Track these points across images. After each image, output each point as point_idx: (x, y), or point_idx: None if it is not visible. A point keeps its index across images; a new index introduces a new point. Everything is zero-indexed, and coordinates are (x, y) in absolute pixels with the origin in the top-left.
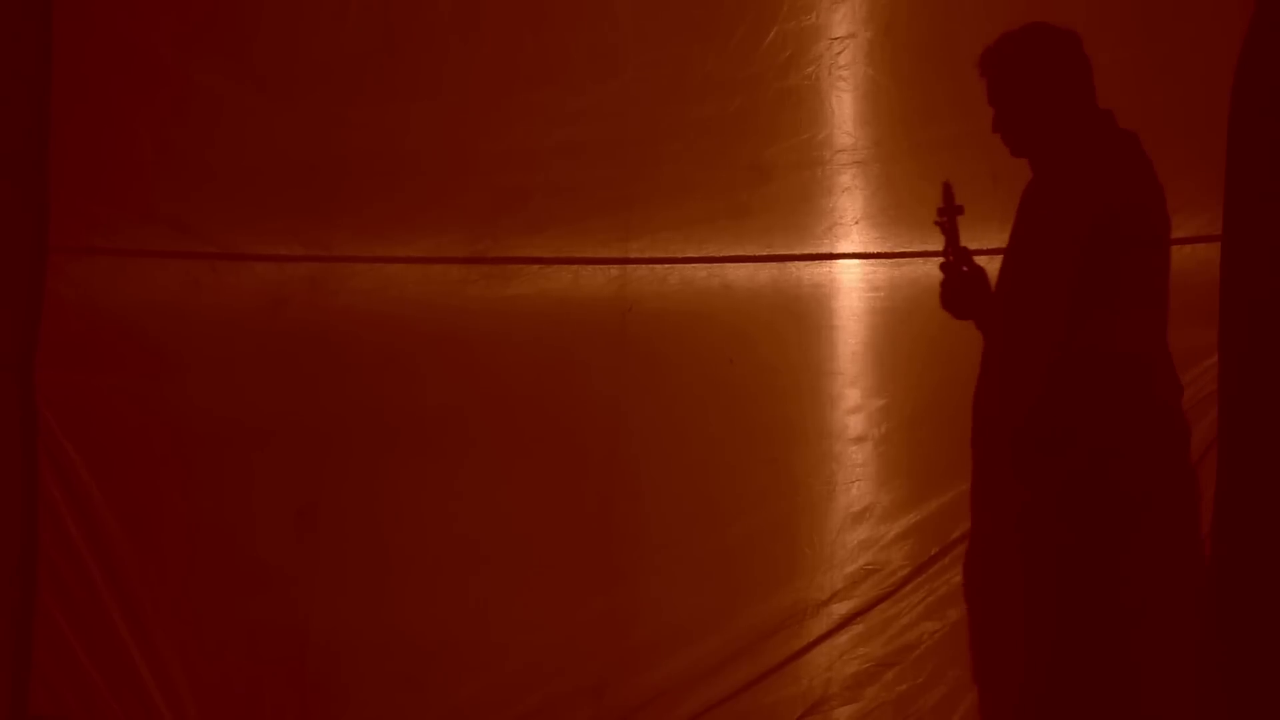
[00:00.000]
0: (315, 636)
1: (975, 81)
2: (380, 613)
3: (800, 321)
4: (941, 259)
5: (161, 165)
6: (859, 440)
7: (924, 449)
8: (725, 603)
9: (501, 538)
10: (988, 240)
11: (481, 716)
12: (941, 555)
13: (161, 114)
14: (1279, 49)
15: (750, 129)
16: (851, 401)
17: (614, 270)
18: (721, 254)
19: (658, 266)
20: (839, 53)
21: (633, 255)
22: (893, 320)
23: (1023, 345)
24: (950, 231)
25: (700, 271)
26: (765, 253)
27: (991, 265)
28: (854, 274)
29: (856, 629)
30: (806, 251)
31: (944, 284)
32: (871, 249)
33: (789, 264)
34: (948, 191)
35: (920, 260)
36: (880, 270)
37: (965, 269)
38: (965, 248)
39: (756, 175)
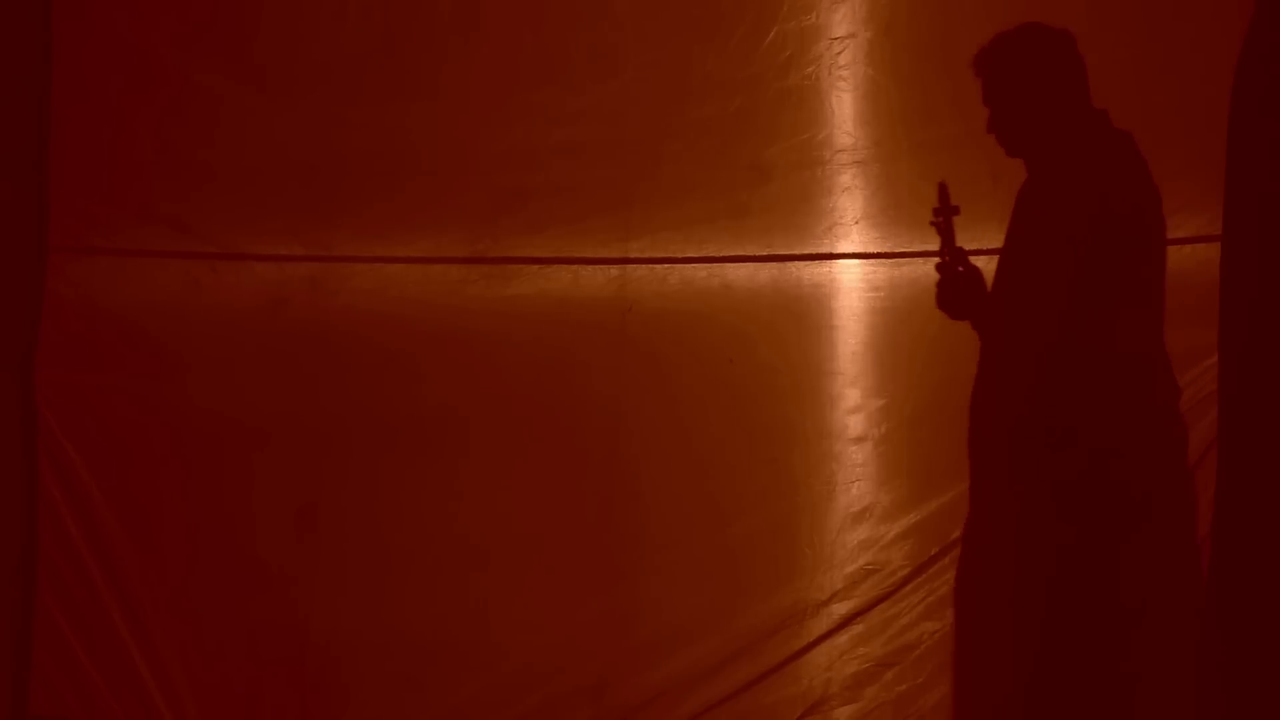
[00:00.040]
0: (315, 636)
1: (975, 81)
2: (380, 613)
3: (800, 321)
4: (938, 259)
5: (161, 165)
6: (859, 440)
7: (924, 449)
8: (725, 603)
9: (501, 538)
10: (988, 240)
11: (481, 716)
12: (941, 555)
13: (161, 114)
14: (1279, 49)
15: (750, 129)
16: (851, 401)
17: (614, 270)
18: (721, 254)
19: (658, 266)
20: (839, 53)
21: (633, 255)
22: (893, 320)
23: (1019, 346)
24: (946, 232)
25: (700, 271)
26: (765, 253)
27: (992, 265)
28: (854, 274)
29: (856, 629)
30: (806, 251)
31: (940, 284)
32: (871, 249)
33: (789, 264)
34: (943, 192)
35: (920, 260)
36: (880, 270)
37: (961, 269)
38: (961, 248)
39: (756, 175)
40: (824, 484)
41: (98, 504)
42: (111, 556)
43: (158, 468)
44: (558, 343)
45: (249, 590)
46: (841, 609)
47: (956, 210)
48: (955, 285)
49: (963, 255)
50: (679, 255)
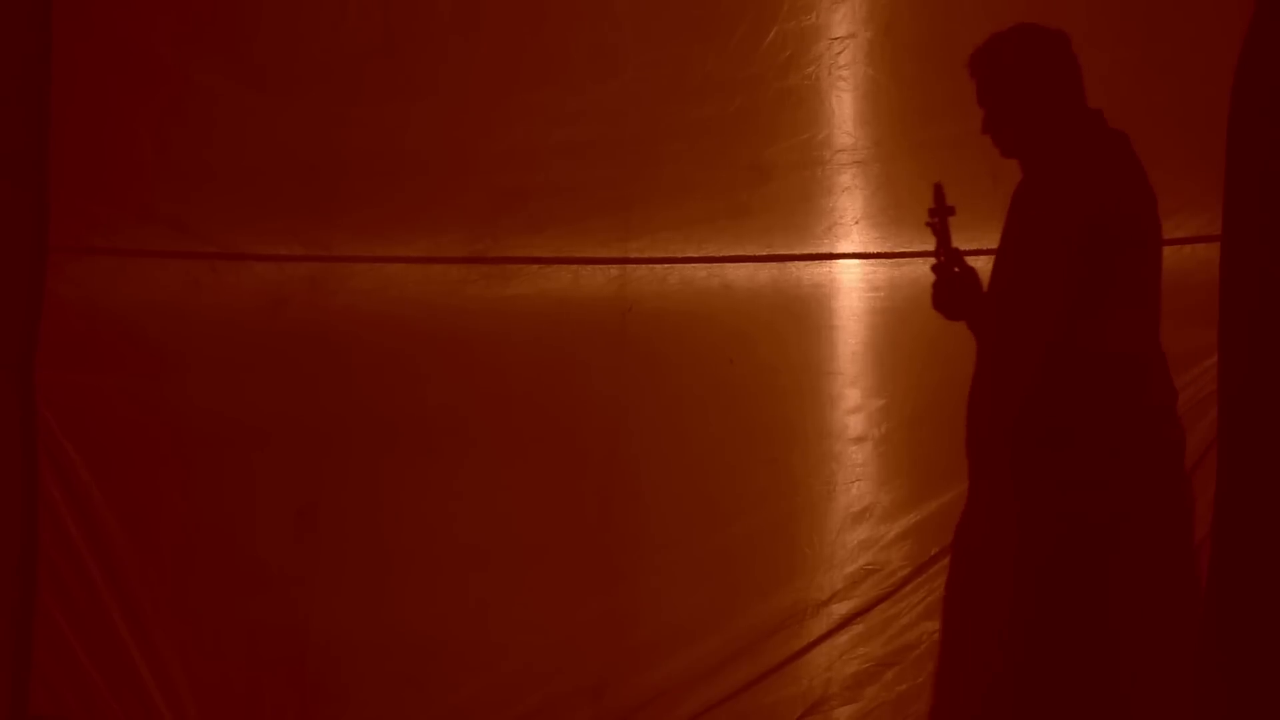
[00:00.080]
0: (315, 636)
1: (971, 82)
2: (380, 613)
3: (800, 321)
4: (933, 260)
5: (161, 165)
6: (859, 440)
7: (924, 449)
8: (725, 603)
9: (501, 537)
10: (988, 240)
11: (481, 716)
12: (941, 555)
13: (161, 114)
14: (1279, 49)
15: (750, 129)
16: (851, 401)
17: (614, 270)
18: (721, 254)
19: (658, 266)
20: (839, 53)
21: (633, 255)
22: (893, 320)
23: (1015, 346)
24: (941, 232)
25: (700, 271)
26: (765, 253)
27: (991, 266)
28: (854, 274)
29: (856, 629)
30: (806, 251)
31: (935, 285)
32: (871, 249)
33: (789, 264)
34: (939, 193)
35: (920, 260)
36: (880, 270)
37: (957, 270)
38: (957, 249)
39: (756, 175)
40: (824, 484)
41: (98, 504)
42: (111, 556)
43: (158, 468)
44: (558, 343)
45: (249, 590)
46: (841, 609)
47: (952, 211)
48: (951, 286)
49: (958, 256)
50: (679, 255)
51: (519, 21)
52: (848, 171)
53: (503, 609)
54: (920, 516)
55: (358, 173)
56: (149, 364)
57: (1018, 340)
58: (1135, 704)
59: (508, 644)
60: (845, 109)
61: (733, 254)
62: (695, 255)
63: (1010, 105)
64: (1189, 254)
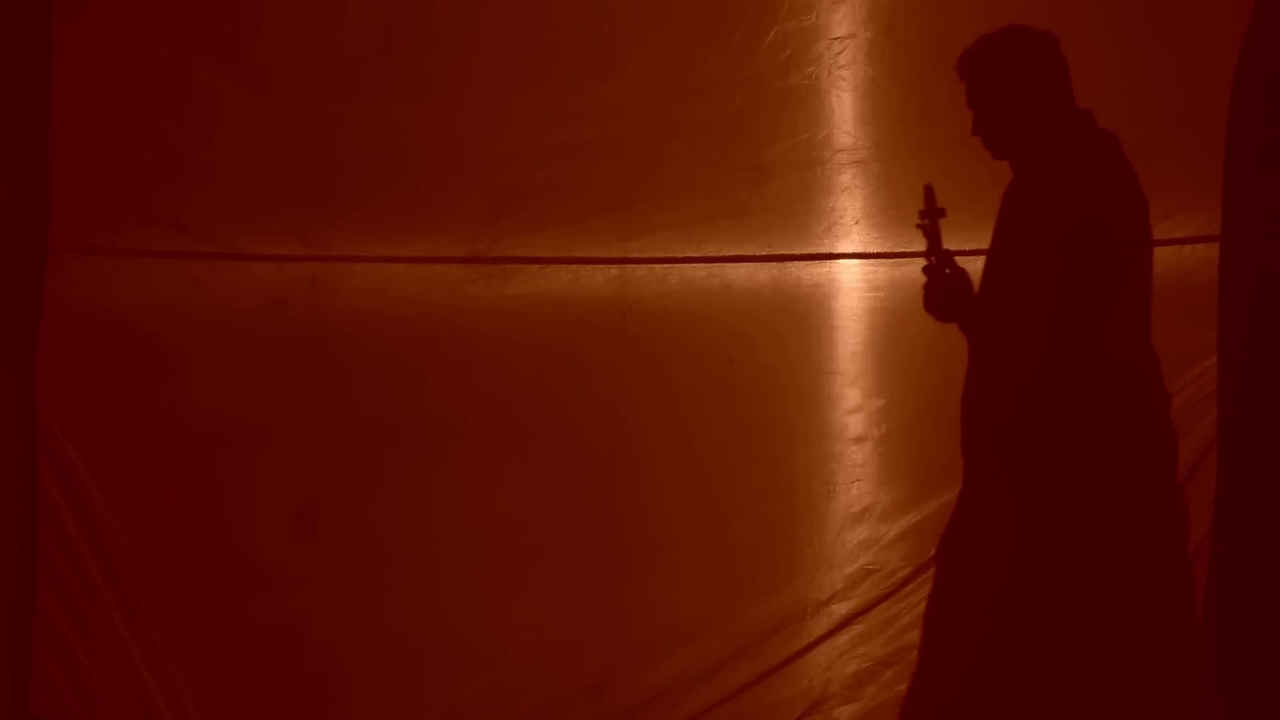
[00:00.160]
0: (315, 636)
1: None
2: (380, 613)
3: (800, 321)
4: (924, 262)
5: (161, 165)
6: (859, 440)
7: (924, 449)
8: (725, 603)
9: (501, 538)
10: (988, 241)
11: (481, 716)
12: None
13: (161, 114)
14: (1279, 49)
15: (750, 129)
16: (851, 401)
17: (614, 270)
18: (721, 254)
19: (658, 266)
20: (839, 53)
21: (633, 255)
22: (893, 320)
23: (1006, 348)
24: (932, 234)
25: (700, 271)
26: (765, 253)
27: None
28: (854, 274)
29: (856, 629)
30: (806, 251)
31: (927, 287)
32: (871, 249)
33: (789, 264)
34: (929, 194)
35: (920, 260)
36: (880, 270)
37: (948, 271)
38: (948, 250)
39: (756, 175)
40: (824, 484)
41: (98, 504)
42: (111, 556)
43: (158, 468)
44: (558, 343)
45: (249, 590)
46: (841, 609)
47: (943, 213)
48: (942, 287)
49: (949, 258)
50: (679, 255)
51: (519, 21)
52: (848, 171)
53: (503, 609)
54: (920, 517)
55: (358, 173)
56: (149, 364)
57: (1007, 342)
58: (1121, 707)
59: (508, 644)
60: (845, 109)
61: (733, 254)
62: (695, 255)
63: (999, 107)
64: (1189, 254)
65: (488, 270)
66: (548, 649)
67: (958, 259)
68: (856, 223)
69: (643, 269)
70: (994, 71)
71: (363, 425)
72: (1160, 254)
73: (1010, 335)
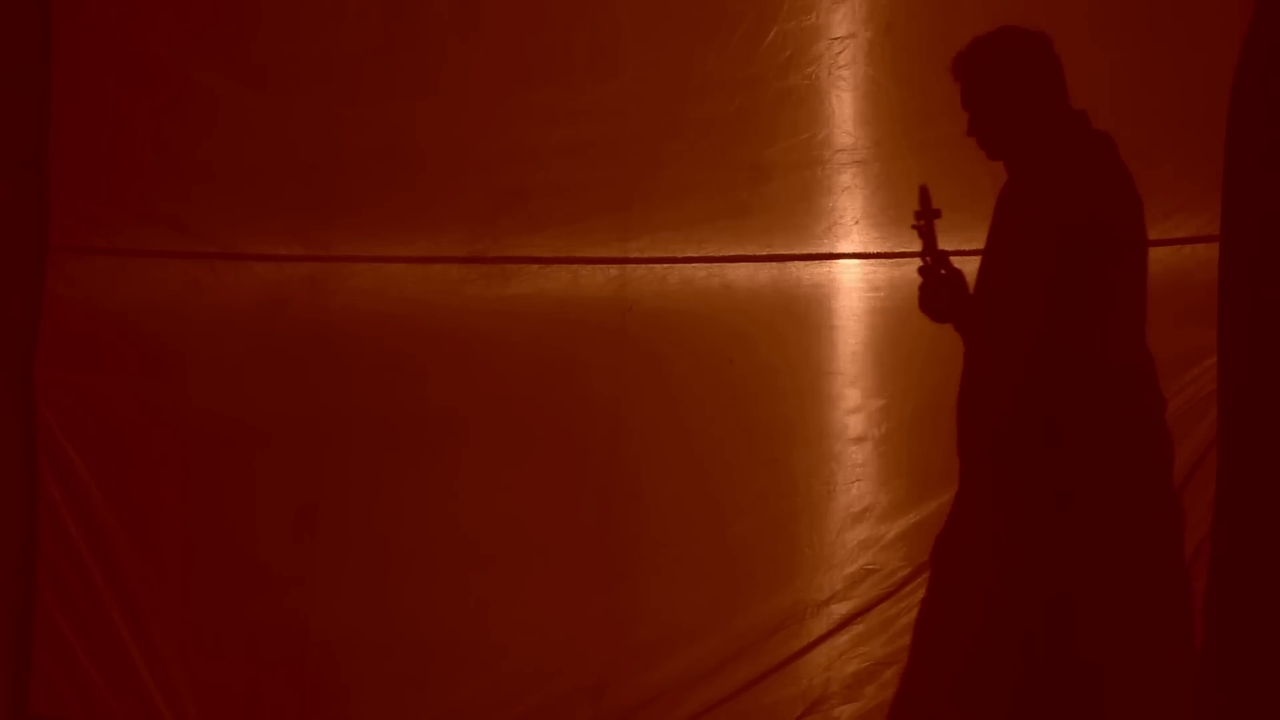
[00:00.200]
0: (315, 636)
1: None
2: (380, 613)
3: (800, 321)
4: (920, 262)
5: (160, 165)
6: (859, 440)
7: (924, 449)
8: (725, 603)
9: (501, 538)
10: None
11: (481, 716)
12: None
13: (161, 113)
14: (1279, 49)
15: (750, 129)
16: (851, 401)
17: (614, 270)
18: (721, 254)
19: (658, 266)
20: (839, 53)
21: (633, 255)
22: (893, 320)
23: (1001, 348)
24: (928, 235)
25: (700, 271)
26: (765, 253)
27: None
28: (854, 274)
29: (856, 629)
30: (806, 251)
31: (922, 287)
32: (871, 249)
33: (789, 264)
34: (924, 195)
35: (920, 260)
36: (880, 270)
37: (943, 272)
38: (943, 251)
39: (756, 175)
40: (824, 484)
41: (98, 504)
42: (111, 556)
43: (158, 468)
44: (558, 343)
45: (249, 590)
46: (841, 609)
47: (938, 213)
48: (937, 288)
49: (944, 258)
50: (679, 255)
51: (519, 21)
52: (848, 171)
53: (503, 609)
54: (920, 517)
55: (358, 173)
56: (149, 364)
57: (1002, 343)
58: (1117, 709)
59: (508, 644)
60: (845, 109)
61: (733, 254)
62: (695, 255)
63: (994, 108)
64: (1189, 254)
65: (488, 270)
66: (548, 649)
67: (957, 259)
68: (856, 223)
69: (643, 269)
70: (988, 73)
71: (363, 425)
72: (1160, 254)
73: (1005, 335)
